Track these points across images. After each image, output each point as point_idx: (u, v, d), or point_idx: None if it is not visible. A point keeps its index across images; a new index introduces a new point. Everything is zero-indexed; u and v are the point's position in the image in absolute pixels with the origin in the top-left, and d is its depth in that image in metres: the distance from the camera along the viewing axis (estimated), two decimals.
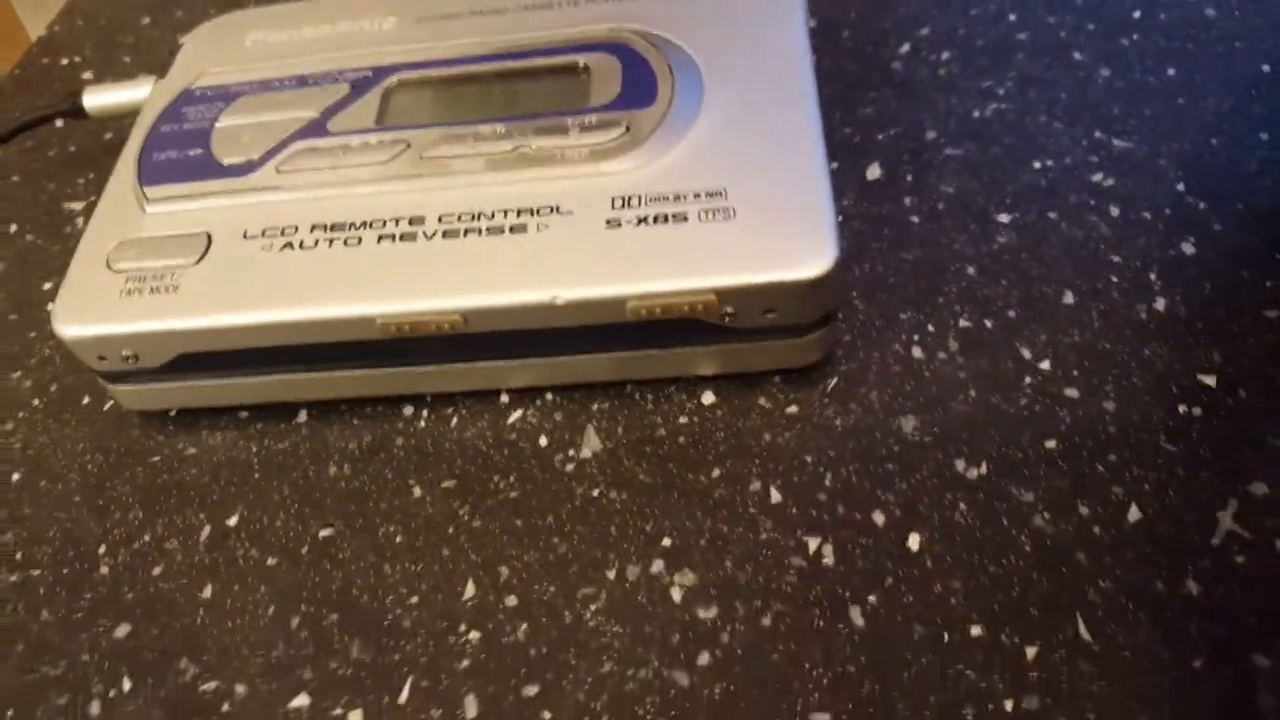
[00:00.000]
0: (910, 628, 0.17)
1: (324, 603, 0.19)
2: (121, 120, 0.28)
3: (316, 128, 0.23)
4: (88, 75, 0.32)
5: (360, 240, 0.21)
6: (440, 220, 0.21)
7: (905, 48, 0.27)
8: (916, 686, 0.17)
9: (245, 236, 0.21)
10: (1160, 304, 0.21)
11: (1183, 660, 0.17)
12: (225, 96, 0.24)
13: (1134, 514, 0.18)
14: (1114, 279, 0.22)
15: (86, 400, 0.24)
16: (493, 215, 0.21)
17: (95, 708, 0.19)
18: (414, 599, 0.19)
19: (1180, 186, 0.23)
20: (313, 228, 0.21)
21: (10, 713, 0.19)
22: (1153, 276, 0.21)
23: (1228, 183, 0.23)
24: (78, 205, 0.28)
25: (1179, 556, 0.18)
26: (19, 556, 0.21)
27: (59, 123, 0.30)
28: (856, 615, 0.18)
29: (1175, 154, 0.24)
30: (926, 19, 0.27)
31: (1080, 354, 0.21)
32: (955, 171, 0.24)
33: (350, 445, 0.22)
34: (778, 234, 0.19)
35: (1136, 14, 0.27)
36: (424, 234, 0.21)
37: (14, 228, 0.28)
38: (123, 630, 0.20)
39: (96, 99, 0.27)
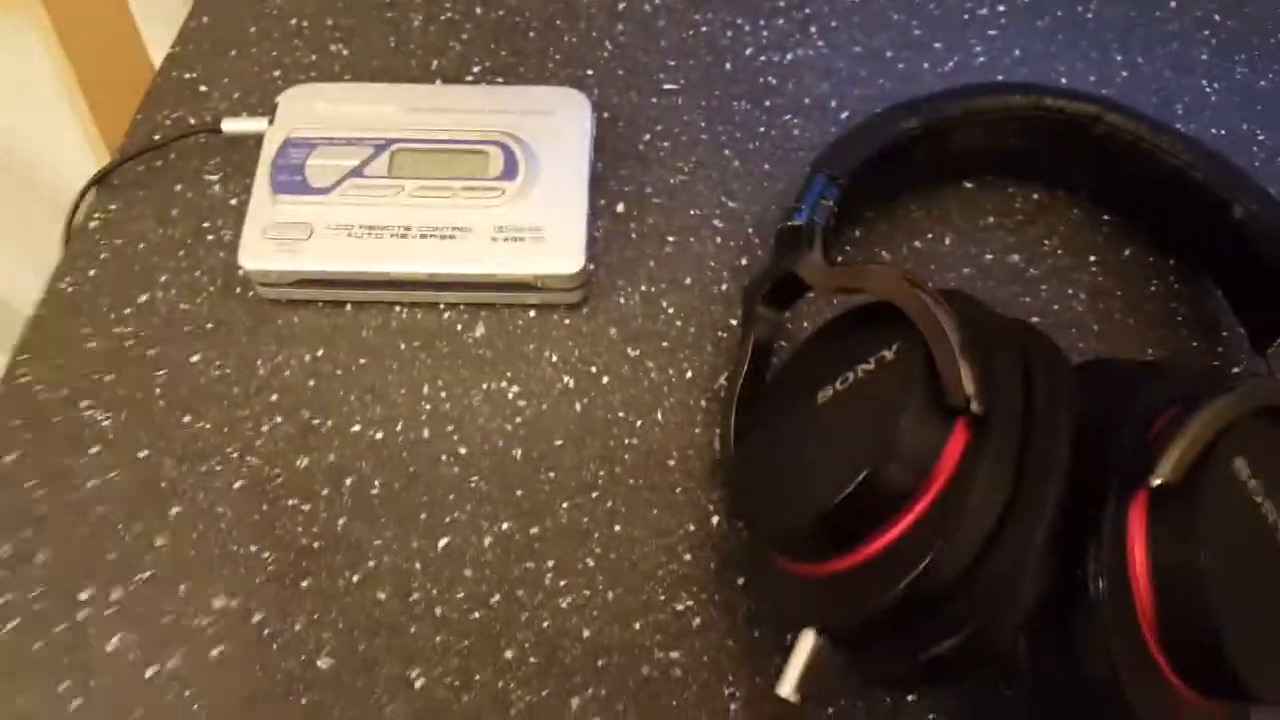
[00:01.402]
0: (596, 411, 0.46)
1: (363, 390, 0.47)
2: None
3: (358, 172, 0.49)
4: (203, 88, 0.56)
5: (381, 236, 0.47)
6: (419, 229, 0.47)
7: (648, 136, 0.54)
8: (594, 433, 0.46)
9: (328, 228, 0.47)
10: (725, 287, 0.49)
11: (701, 426, 0.46)
12: (309, 145, 0.50)
13: (689, 373, 0.47)
14: (709, 275, 0.50)
15: (238, 290, 0.50)
16: (441, 229, 0.47)
17: (265, 428, 0.46)
18: (402, 390, 0.47)
19: (750, 229, 0.51)
20: (359, 227, 0.47)
21: (225, 429, 0.46)
22: (725, 274, 0.50)
23: (771, 231, 0.51)
24: (214, 177, 0.53)
25: (705, 390, 0.47)
26: (218, 362, 0.48)
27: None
28: (578, 406, 0.46)
29: (754, 212, 0.51)
30: (661, 120, 0.54)
31: (686, 310, 0.49)
32: (655, 212, 0.51)
33: (372, 323, 0.49)
34: (562, 250, 0.47)
35: (787, 114, 0.54)
36: (411, 235, 0.47)
37: (179, 187, 0.53)
38: (274, 397, 0.47)
39: (232, 126, 0.52)
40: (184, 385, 0.47)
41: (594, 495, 0.44)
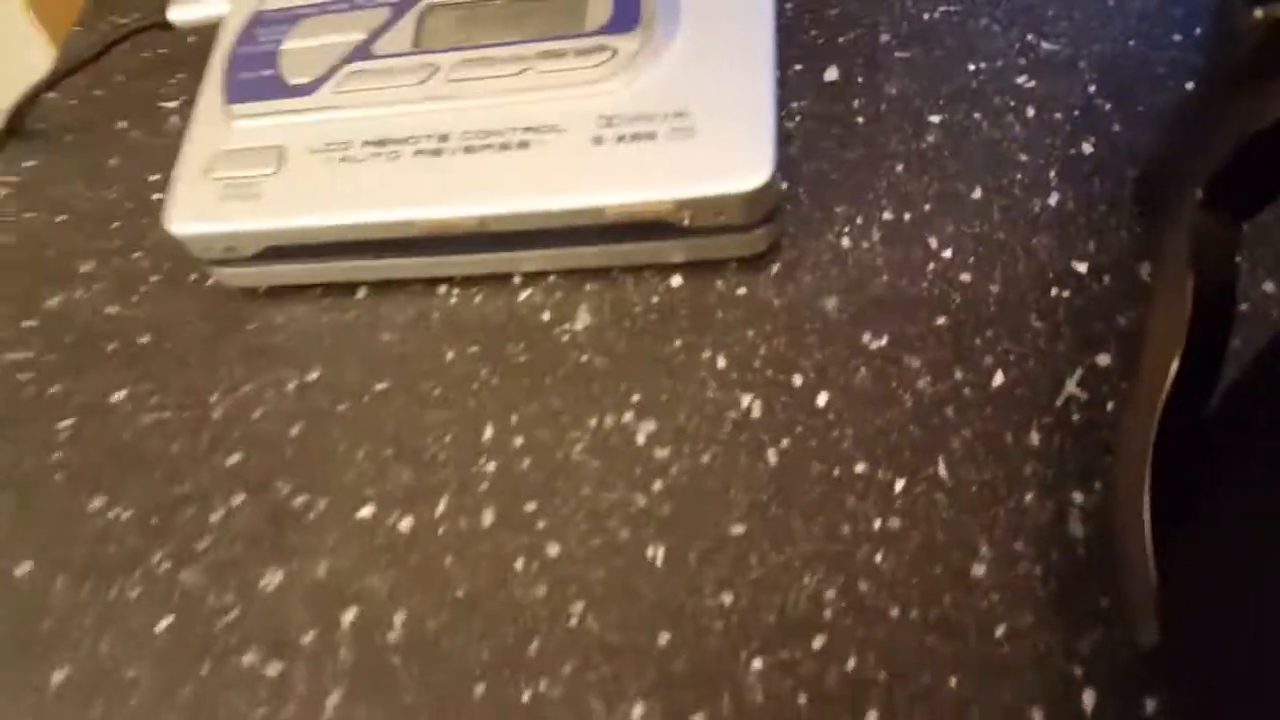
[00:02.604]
0: (809, 465, 0.22)
1: (381, 440, 0.25)
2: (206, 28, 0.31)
3: (363, 51, 0.27)
4: None
5: (399, 155, 0.25)
6: (462, 137, 0.25)
7: None
8: (810, 509, 0.22)
9: (310, 151, 0.26)
10: (1054, 199, 0.24)
11: (1017, 495, 0.21)
12: (289, 18, 0.28)
13: (998, 378, 0.22)
14: (1018, 176, 0.25)
15: (193, 278, 0.29)
16: (503, 133, 0.24)
17: (216, 517, 0.25)
18: (447, 438, 0.24)
19: (1092, 88, 0.25)
20: (363, 144, 0.25)
21: (153, 520, 0.25)
22: (1052, 174, 0.24)
23: (1135, 84, 0.25)
24: (172, 104, 0.32)
25: (1028, 412, 0.22)
26: (153, 401, 0.27)
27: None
28: (772, 455, 0.22)
29: (1094, 55, 0.26)
30: None
31: (978, 243, 0.24)
32: (900, 74, 0.27)
33: (398, 318, 0.27)
34: (726, 152, 0.23)
35: None
36: (449, 150, 0.25)
37: (123, 124, 0.33)
38: (234, 459, 0.25)
39: (180, 14, 0.31)
40: (98, 444, 0.26)
41: (817, 644, 0.20)
